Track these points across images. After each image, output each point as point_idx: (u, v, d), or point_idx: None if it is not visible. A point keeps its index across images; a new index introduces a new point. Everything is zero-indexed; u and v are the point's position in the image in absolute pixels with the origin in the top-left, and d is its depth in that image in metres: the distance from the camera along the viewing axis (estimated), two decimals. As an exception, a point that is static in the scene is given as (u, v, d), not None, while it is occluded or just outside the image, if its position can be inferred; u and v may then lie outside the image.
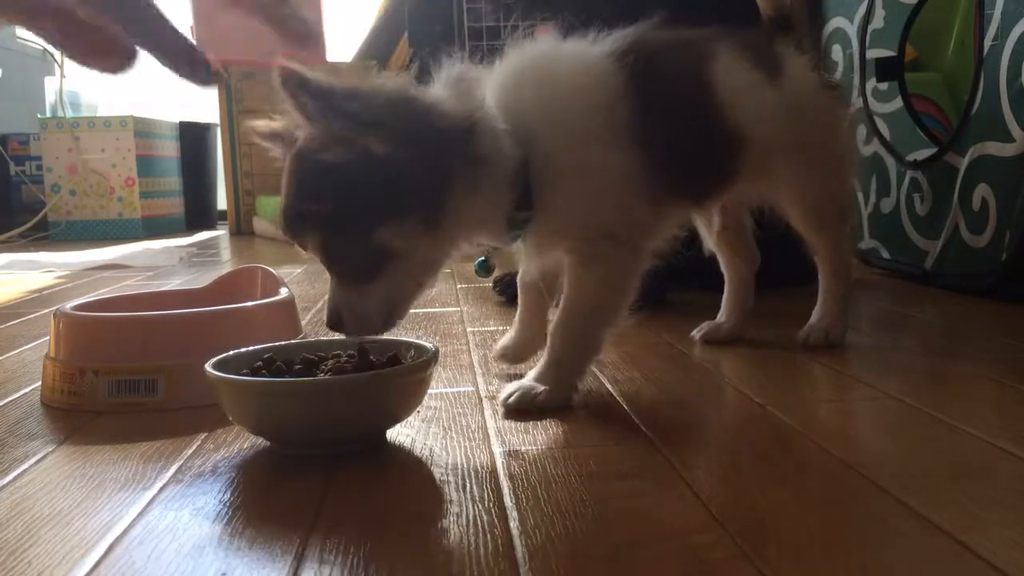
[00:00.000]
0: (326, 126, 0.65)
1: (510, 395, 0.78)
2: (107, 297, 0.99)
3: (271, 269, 1.06)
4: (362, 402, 0.67)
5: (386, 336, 0.75)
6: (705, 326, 1.07)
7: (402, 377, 0.69)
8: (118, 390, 0.82)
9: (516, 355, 0.93)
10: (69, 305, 0.91)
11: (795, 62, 0.94)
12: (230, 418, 0.71)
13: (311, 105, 0.64)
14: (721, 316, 1.07)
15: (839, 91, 1.01)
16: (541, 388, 0.78)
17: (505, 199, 0.72)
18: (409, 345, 0.75)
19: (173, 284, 1.76)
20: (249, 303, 0.94)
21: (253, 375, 0.71)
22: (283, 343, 0.78)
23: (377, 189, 0.67)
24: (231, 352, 0.72)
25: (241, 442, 0.72)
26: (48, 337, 0.88)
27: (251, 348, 0.74)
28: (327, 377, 0.69)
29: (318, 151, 0.67)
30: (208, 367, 0.69)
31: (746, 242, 1.04)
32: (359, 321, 0.72)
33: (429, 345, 0.73)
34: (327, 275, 0.74)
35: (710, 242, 1.05)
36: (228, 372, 0.69)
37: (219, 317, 0.88)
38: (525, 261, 0.83)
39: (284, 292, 0.98)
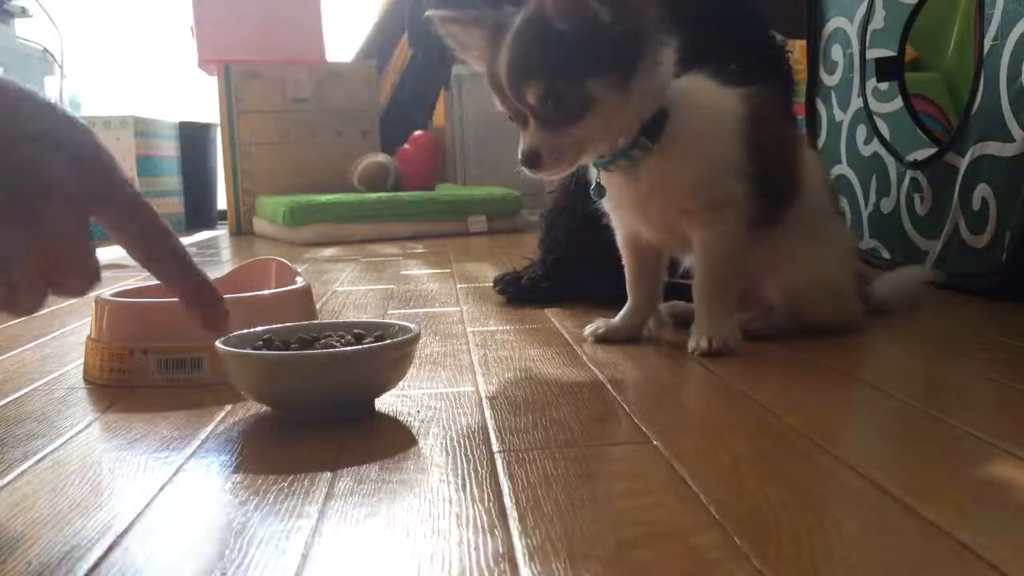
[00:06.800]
0: (585, 4, 0.85)
1: (706, 345, 0.96)
2: (131, 287, 1.08)
3: (286, 261, 1.12)
4: (353, 373, 0.77)
5: (375, 320, 0.89)
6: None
7: (388, 351, 0.79)
8: (166, 368, 0.90)
9: (625, 331, 1.06)
10: (107, 293, 1.00)
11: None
12: (239, 389, 0.79)
13: None
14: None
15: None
16: (721, 334, 0.96)
17: (650, 105, 0.93)
18: (394, 325, 0.84)
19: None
20: (279, 289, 1.03)
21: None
22: (280, 326, 0.86)
23: (595, 49, 0.88)
24: (235, 333, 0.81)
25: (248, 422, 0.72)
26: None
27: (252, 330, 0.83)
28: (324, 350, 0.79)
29: (552, 18, 0.87)
30: (219, 344, 0.77)
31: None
32: (553, 157, 0.90)
33: (413, 326, 0.82)
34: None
35: None
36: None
37: (254, 302, 0.98)
38: (630, 217, 1.02)
39: (301, 281, 1.06)
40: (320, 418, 0.76)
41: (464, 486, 0.60)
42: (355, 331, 0.84)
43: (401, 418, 0.78)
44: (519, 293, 1.36)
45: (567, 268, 1.33)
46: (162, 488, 0.62)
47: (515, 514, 0.55)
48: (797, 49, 2.37)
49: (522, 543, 0.51)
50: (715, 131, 0.97)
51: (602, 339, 1.06)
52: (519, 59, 0.89)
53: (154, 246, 0.68)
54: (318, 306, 1.26)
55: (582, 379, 0.90)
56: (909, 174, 1.51)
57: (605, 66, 0.88)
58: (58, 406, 0.85)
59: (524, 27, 0.89)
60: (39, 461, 0.68)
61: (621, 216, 1.04)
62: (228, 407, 0.81)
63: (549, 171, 0.92)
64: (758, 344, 1.02)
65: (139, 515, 0.57)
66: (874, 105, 1.60)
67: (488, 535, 0.52)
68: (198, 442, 0.72)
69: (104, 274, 0.65)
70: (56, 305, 1.51)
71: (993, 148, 1.28)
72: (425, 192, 2.95)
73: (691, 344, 0.97)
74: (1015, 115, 1.24)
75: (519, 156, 0.91)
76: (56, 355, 1.09)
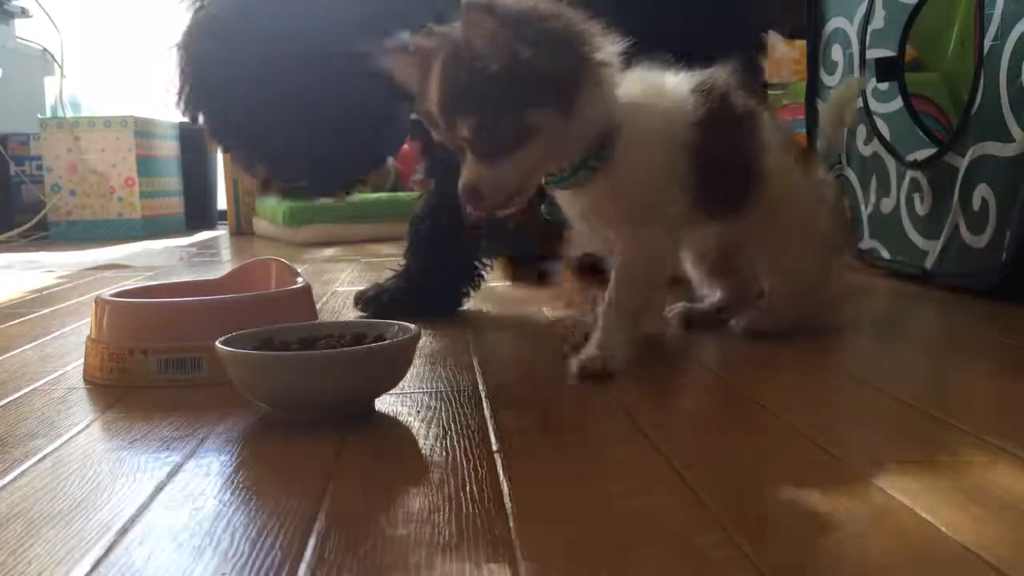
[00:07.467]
0: (509, 47, 0.80)
1: (581, 367, 0.89)
2: (131, 288, 1.09)
3: (286, 261, 1.12)
4: (353, 373, 0.77)
5: (375, 320, 0.90)
6: (681, 306, 1.15)
7: (388, 352, 0.79)
8: (166, 368, 0.91)
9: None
10: (108, 293, 1.00)
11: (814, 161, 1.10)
12: (239, 389, 0.79)
13: (496, 28, 0.79)
14: (702, 303, 1.15)
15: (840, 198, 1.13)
16: (607, 355, 0.89)
17: (596, 126, 0.88)
18: (394, 325, 0.84)
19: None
20: (280, 290, 1.04)
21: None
22: (280, 326, 0.86)
23: (529, 81, 0.82)
24: (235, 333, 0.81)
25: (243, 434, 0.72)
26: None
27: (251, 330, 0.83)
28: (324, 350, 0.79)
29: (485, 55, 0.80)
30: (219, 344, 0.78)
31: (727, 270, 1.12)
32: (494, 192, 0.85)
33: (413, 326, 0.82)
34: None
35: (695, 272, 1.15)
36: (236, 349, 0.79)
37: (255, 302, 0.99)
38: (580, 226, 0.98)
39: (301, 281, 1.06)
40: (320, 418, 0.76)
41: (464, 486, 0.60)
42: (355, 331, 0.84)
43: (401, 418, 0.78)
44: (380, 311, 1.24)
45: (431, 279, 1.26)
46: (162, 488, 0.62)
47: (515, 514, 0.55)
48: (797, 49, 2.37)
49: (522, 543, 0.51)
50: (660, 145, 0.92)
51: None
52: (449, 92, 0.84)
53: None
54: (318, 306, 1.26)
55: (583, 378, 0.89)
56: (909, 174, 1.51)
57: (541, 96, 0.83)
58: (58, 406, 0.85)
59: (451, 60, 0.83)
60: (39, 461, 0.68)
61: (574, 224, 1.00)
62: (228, 407, 0.81)
63: (492, 207, 0.86)
64: (758, 344, 1.02)
65: (139, 515, 0.57)
66: (874, 105, 1.60)
67: (488, 535, 0.52)
68: (198, 442, 0.72)
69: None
70: (56, 305, 1.51)
71: (993, 148, 1.28)
72: (425, 192, 2.95)
73: (573, 365, 0.90)
74: (1015, 115, 1.24)
75: (459, 191, 0.86)
76: (56, 355, 1.09)
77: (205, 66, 1.01)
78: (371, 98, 1.01)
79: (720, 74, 0.97)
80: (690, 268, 1.14)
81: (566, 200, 0.97)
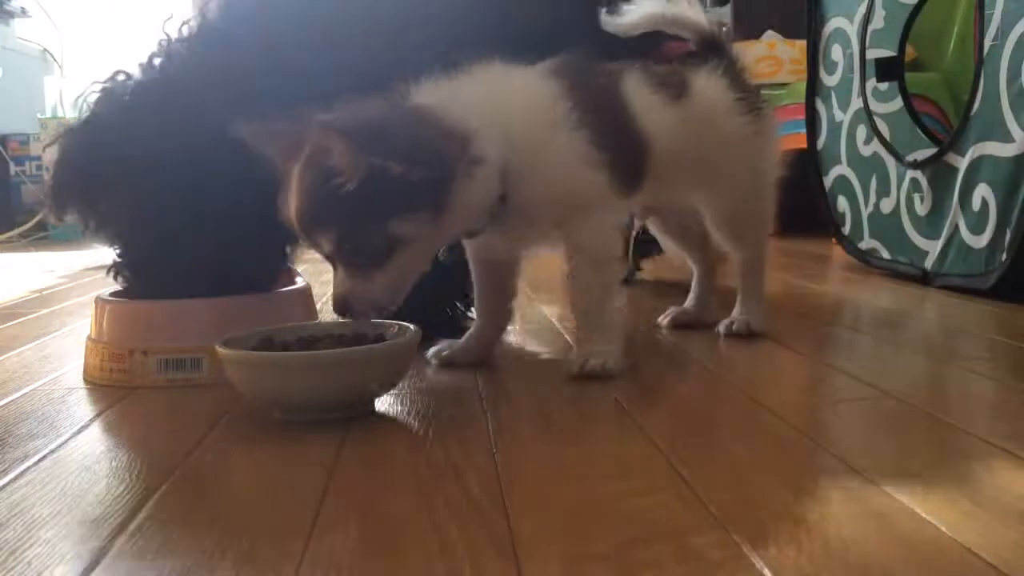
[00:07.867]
0: (364, 163, 0.75)
1: (580, 367, 0.87)
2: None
3: None
4: (353, 373, 0.77)
5: (375, 320, 0.85)
6: (672, 311, 1.15)
7: (388, 352, 0.80)
8: (166, 368, 0.91)
9: (467, 356, 0.97)
10: (108, 293, 0.99)
11: (705, 84, 1.01)
12: (238, 389, 0.79)
13: (348, 149, 0.74)
14: (687, 303, 1.16)
15: (757, 110, 1.04)
16: (602, 355, 0.87)
17: (492, 194, 0.84)
18: (394, 325, 0.84)
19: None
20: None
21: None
22: (280, 326, 0.86)
23: (393, 192, 0.77)
24: (235, 333, 0.81)
25: (245, 436, 0.72)
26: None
27: (251, 330, 0.83)
28: (324, 351, 0.79)
29: (339, 172, 0.75)
30: (218, 345, 0.78)
31: (701, 242, 1.12)
32: (365, 304, 0.81)
33: (412, 326, 0.83)
34: (327, 275, 0.75)
35: (670, 242, 1.16)
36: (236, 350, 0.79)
37: (255, 302, 0.98)
38: (494, 240, 0.91)
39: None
40: (320, 418, 0.76)
41: (464, 485, 0.60)
42: (355, 331, 0.84)
43: (401, 418, 0.78)
44: None
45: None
46: (161, 488, 0.62)
47: (514, 513, 0.55)
48: (797, 49, 2.37)
49: (521, 542, 0.51)
50: (550, 153, 0.86)
51: (447, 362, 0.96)
52: (306, 206, 0.78)
53: None
54: (318, 306, 1.26)
55: (582, 379, 0.89)
56: (909, 174, 1.51)
57: (407, 205, 0.78)
58: (58, 406, 0.85)
59: (307, 173, 0.77)
60: (39, 461, 0.68)
61: (484, 246, 0.94)
62: (228, 407, 0.81)
63: (368, 315, 0.82)
64: (758, 344, 1.02)
65: (138, 515, 0.57)
66: (874, 105, 1.60)
67: (487, 534, 0.52)
68: (198, 442, 0.72)
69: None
70: (56, 305, 1.51)
71: (993, 148, 1.28)
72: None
73: (572, 367, 0.89)
74: (1015, 115, 1.24)
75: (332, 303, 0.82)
76: (56, 355, 1.09)
77: (75, 172, 0.96)
78: (246, 224, 0.95)
79: (562, 59, 0.92)
80: (661, 240, 1.16)
81: (477, 245, 0.92)
